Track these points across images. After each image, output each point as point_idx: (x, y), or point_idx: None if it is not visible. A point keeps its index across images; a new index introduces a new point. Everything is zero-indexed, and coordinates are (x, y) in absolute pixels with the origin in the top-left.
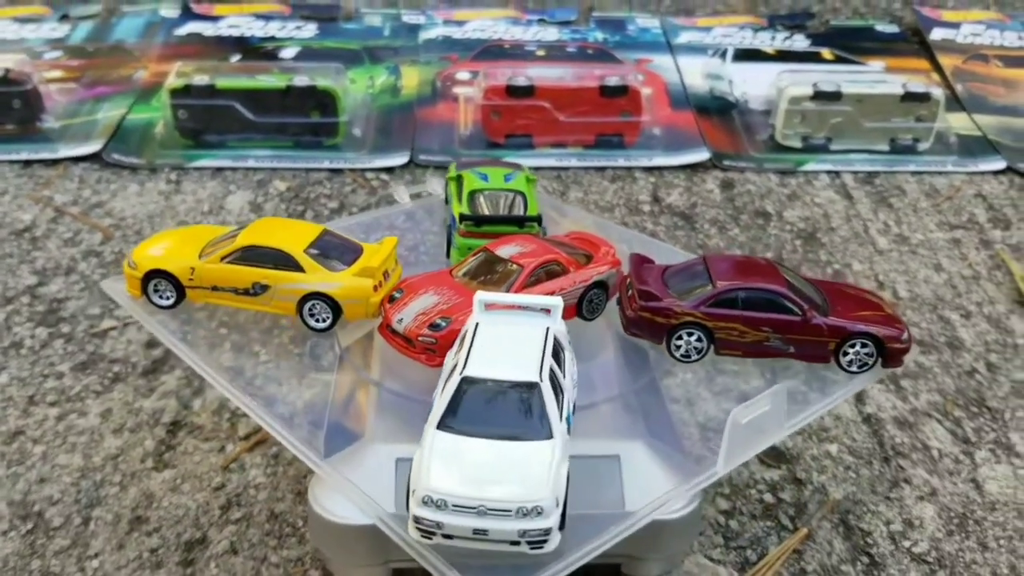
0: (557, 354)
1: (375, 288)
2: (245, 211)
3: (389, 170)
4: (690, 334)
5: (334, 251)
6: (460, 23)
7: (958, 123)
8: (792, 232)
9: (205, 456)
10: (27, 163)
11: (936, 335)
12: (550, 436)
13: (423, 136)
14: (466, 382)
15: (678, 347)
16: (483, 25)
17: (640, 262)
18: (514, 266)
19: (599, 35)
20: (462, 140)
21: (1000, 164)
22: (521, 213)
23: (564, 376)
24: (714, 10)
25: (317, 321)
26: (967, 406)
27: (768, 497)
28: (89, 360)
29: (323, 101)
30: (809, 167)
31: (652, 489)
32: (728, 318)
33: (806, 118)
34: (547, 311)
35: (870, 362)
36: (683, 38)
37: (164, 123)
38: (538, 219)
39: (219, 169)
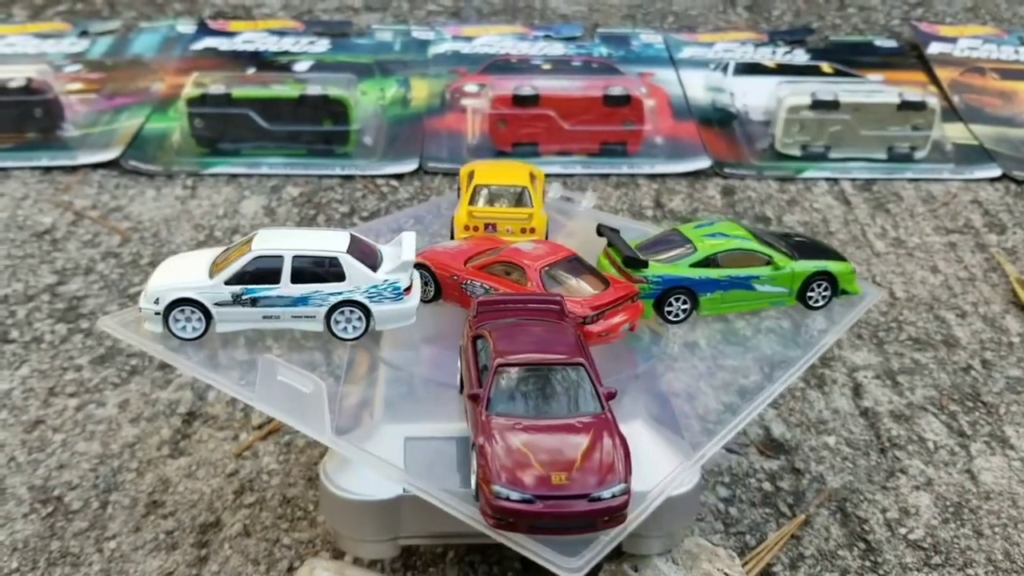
0: (318, 274)
1: (464, 227)
2: (259, 215)
3: (399, 177)
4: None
5: (496, 196)
6: (468, 39)
7: (955, 133)
8: None
9: (219, 444)
10: (47, 169)
11: (932, 333)
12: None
13: (432, 145)
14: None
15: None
16: (491, 41)
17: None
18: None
19: (603, 50)
20: (470, 149)
21: (996, 172)
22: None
23: (303, 288)
24: (716, 26)
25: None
26: (963, 401)
27: (767, 486)
28: (107, 354)
29: (335, 110)
30: (808, 174)
31: (654, 468)
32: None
33: (805, 127)
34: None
35: None
36: (686, 53)
37: (181, 131)
38: (630, 262)
39: (234, 175)
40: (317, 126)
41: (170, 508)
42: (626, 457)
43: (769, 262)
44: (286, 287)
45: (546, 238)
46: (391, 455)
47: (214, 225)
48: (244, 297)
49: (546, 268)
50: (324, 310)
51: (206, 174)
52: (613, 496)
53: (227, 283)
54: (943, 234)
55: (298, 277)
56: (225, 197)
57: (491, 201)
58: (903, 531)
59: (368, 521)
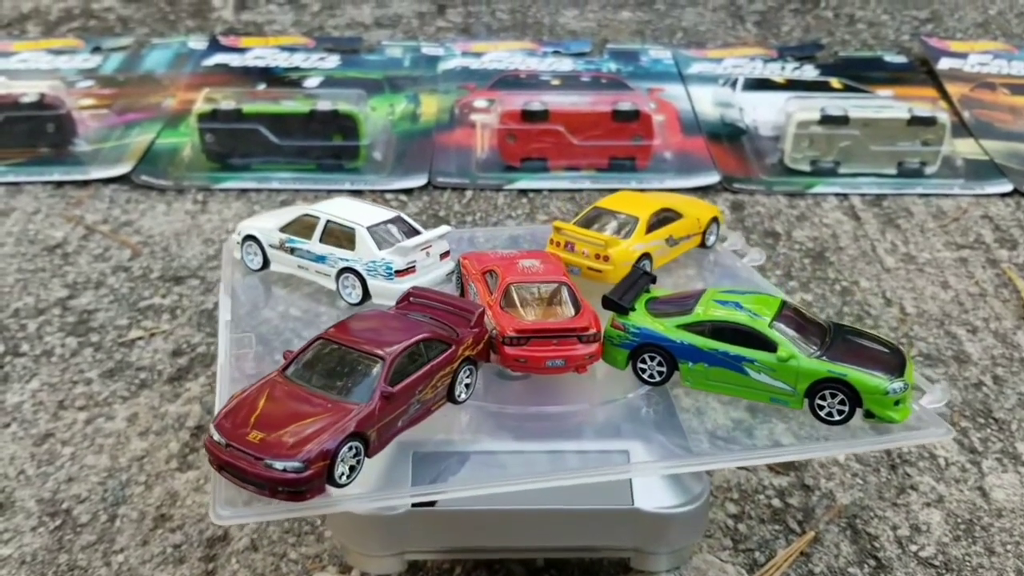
0: (339, 240)
1: (550, 241)
2: None
3: (408, 191)
4: None
5: (624, 224)
6: (478, 55)
7: (965, 148)
8: (801, 251)
9: None
10: (59, 184)
11: (943, 349)
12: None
13: (441, 160)
14: (307, 208)
15: None
16: (500, 56)
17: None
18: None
19: (612, 66)
20: (479, 164)
21: (1007, 187)
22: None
23: (324, 248)
24: (725, 42)
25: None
26: (974, 417)
27: (776, 502)
28: (117, 367)
29: (345, 125)
30: (818, 189)
31: (660, 484)
32: None
33: (814, 142)
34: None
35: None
36: (695, 69)
37: (191, 146)
38: (607, 304)
39: (244, 190)
40: (327, 141)
41: (178, 522)
42: (323, 448)
43: (773, 348)
44: (314, 244)
45: (634, 272)
46: (400, 470)
47: (224, 240)
48: (286, 244)
49: (517, 284)
50: (334, 271)
51: (216, 189)
52: (284, 470)
53: (280, 230)
54: (954, 249)
55: (325, 238)
56: (235, 212)
57: (619, 229)
58: (914, 548)
59: (375, 535)
